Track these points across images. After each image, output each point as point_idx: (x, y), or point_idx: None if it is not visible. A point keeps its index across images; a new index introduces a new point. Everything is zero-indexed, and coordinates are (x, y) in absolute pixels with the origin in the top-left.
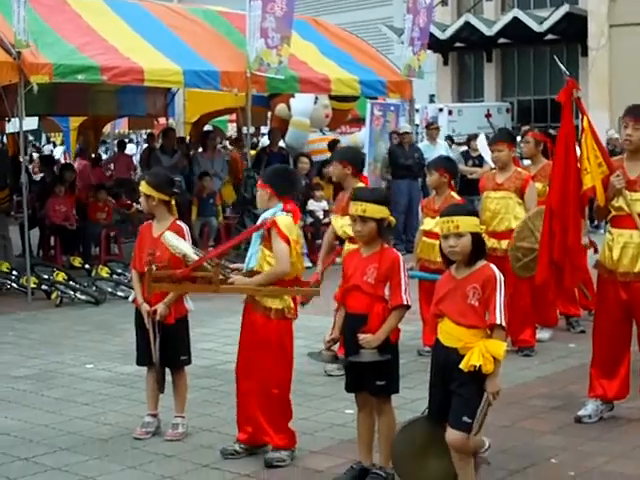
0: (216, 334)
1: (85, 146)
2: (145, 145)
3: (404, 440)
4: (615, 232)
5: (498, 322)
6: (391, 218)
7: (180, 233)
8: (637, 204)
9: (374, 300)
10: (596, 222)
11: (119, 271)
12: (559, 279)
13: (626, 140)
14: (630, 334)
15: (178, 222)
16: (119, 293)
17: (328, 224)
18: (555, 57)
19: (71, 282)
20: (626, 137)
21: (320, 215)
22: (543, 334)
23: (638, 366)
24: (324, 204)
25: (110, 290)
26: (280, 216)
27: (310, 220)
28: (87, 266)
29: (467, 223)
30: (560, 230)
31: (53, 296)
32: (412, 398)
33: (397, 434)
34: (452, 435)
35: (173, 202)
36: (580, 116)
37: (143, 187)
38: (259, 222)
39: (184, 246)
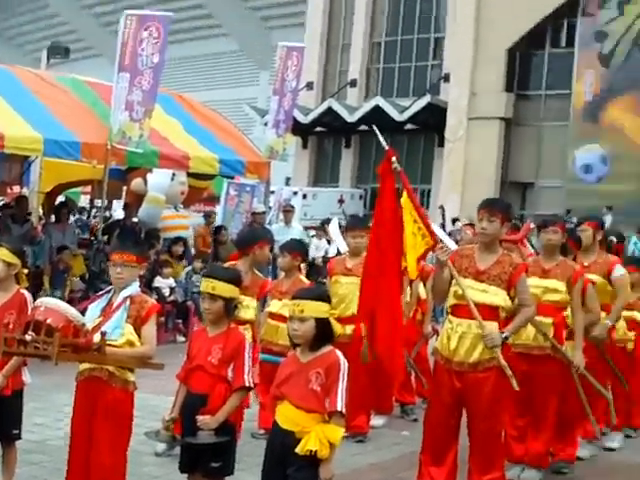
0: (49, 409)
1: None
2: None
3: None
4: (455, 321)
5: (339, 409)
6: (240, 297)
7: (24, 302)
8: (480, 294)
9: (216, 380)
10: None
11: None
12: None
13: (481, 233)
14: (459, 423)
15: (22, 291)
16: None
17: (173, 302)
18: (374, 127)
19: None
20: (481, 230)
21: (166, 292)
22: (377, 420)
23: (466, 455)
24: (171, 281)
25: None
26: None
27: (155, 297)
28: None
29: (312, 308)
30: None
31: None
32: None
33: None
34: None
35: (25, 271)
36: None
37: (5, 255)
38: (120, 299)
39: (69, 308)
